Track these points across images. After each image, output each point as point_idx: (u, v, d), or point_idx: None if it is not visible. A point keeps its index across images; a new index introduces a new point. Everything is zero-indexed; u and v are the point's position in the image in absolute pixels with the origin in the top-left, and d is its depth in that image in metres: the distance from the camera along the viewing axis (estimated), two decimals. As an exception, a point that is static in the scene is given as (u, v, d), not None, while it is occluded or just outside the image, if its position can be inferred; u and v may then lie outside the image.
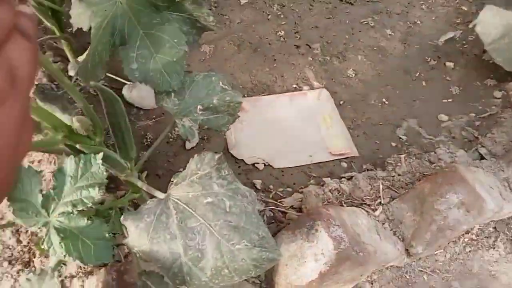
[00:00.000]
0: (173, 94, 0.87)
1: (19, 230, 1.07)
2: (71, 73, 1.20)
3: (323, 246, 0.94)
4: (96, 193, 0.62)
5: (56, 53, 1.37)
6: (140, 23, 0.84)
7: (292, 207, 1.18)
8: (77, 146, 0.65)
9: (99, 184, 0.63)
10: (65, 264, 0.99)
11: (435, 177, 1.14)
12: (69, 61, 1.35)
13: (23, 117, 0.25)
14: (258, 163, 1.37)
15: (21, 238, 1.06)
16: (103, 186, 0.74)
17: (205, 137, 1.40)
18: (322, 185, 1.25)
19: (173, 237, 0.66)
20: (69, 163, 0.63)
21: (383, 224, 1.14)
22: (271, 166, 1.37)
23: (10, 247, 1.06)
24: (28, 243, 1.06)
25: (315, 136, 1.47)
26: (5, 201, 1.14)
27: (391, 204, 1.17)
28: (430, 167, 1.28)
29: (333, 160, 1.41)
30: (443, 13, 1.95)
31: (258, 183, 1.30)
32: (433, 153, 1.37)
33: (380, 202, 1.18)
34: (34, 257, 1.05)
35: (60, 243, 0.62)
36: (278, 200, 1.20)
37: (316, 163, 1.40)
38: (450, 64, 1.74)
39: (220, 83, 0.83)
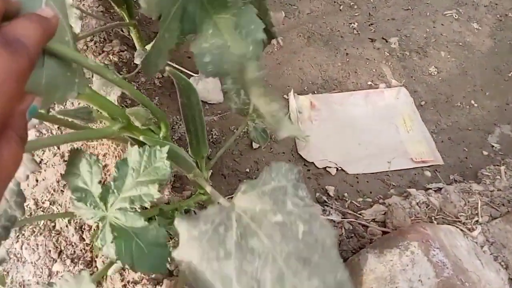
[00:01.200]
0: (242, 91, 0.76)
1: (83, 227, 1.02)
2: (137, 61, 1.13)
3: (421, 271, 0.81)
4: (155, 191, 0.53)
5: (122, 42, 1.31)
6: (213, 7, 0.73)
7: (374, 220, 1.04)
8: (141, 138, 0.56)
9: (160, 181, 0.53)
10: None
11: (552, 196, 0.96)
12: (135, 50, 1.29)
13: None
14: (330, 167, 1.24)
15: (84, 236, 1.01)
16: (164, 184, 0.65)
17: (273, 136, 1.29)
18: (407, 197, 1.10)
19: (228, 256, 0.53)
20: (133, 154, 0.54)
21: (482, 247, 0.98)
22: (344, 171, 1.24)
23: (73, 244, 1.02)
24: (91, 241, 1.01)
25: (393, 140, 1.32)
26: (69, 194, 1.10)
27: (491, 224, 1.00)
28: (536, 183, 1.10)
29: (414, 168, 1.26)
30: (540, 5, 1.72)
31: (330, 189, 1.18)
32: (535, 165, 1.18)
33: (477, 221, 1.02)
34: (97, 257, 1.00)
35: (112, 242, 0.54)
36: (358, 212, 1.07)
37: (395, 170, 1.25)
38: (550, 64, 1.52)
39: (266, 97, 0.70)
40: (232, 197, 1.13)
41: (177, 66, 1.31)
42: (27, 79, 0.25)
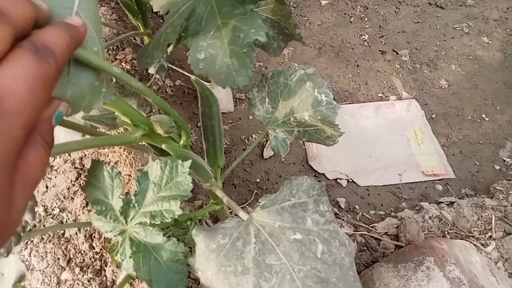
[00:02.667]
0: (267, 99, 0.75)
1: (93, 235, 1.01)
2: (151, 70, 1.13)
3: (437, 287, 0.80)
4: (177, 208, 0.52)
5: (135, 50, 1.31)
6: (221, 12, 0.73)
7: (386, 233, 1.03)
8: (163, 146, 0.55)
9: (182, 197, 0.53)
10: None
11: None
12: (147, 58, 1.29)
13: (4, 163, 0.22)
14: (341, 178, 1.24)
15: (94, 244, 1.00)
16: (185, 199, 0.64)
17: (284, 147, 1.28)
18: (419, 210, 1.09)
19: (245, 271, 0.52)
20: (155, 168, 0.54)
21: (496, 263, 0.97)
22: (355, 183, 1.23)
23: (82, 252, 1.01)
24: (101, 249, 1.00)
25: (404, 153, 1.31)
26: (79, 202, 1.09)
27: (505, 240, 0.99)
28: (550, 199, 1.09)
29: (425, 181, 1.25)
30: (549, 21, 1.72)
31: (342, 201, 1.17)
32: (548, 181, 1.17)
33: (491, 236, 1.01)
34: (106, 266, 0.99)
35: (130, 257, 0.53)
36: (370, 225, 1.06)
37: (406, 183, 1.24)
38: (560, 79, 1.52)
39: (316, 91, 0.67)
40: (243, 207, 1.12)
41: (187, 73, 1.31)
42: (54, 85, 0.26)
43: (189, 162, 0.52)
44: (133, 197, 0.54)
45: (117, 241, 0.56)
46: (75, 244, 1.02)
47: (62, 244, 1.03)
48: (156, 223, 0.48)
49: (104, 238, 1.01)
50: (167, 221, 0.48)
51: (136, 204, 0.54)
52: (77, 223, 0.98)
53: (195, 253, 0.55)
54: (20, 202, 0.24)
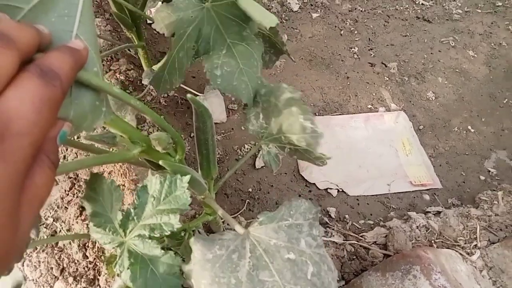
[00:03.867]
0: (261, 115, 0.77)
1: (86, 244, 1.02)
2: (145, 81, 1.15)
3: (423, 296, 0.82)
4: (176, 221, 0.54)
5: (129, 61, 1.33)
6: (228, 32, 0.77)
7: (375, 243, 1.06)
8: (160, 162, 0.57)
9: (181, 211, 0.55)
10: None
11: (549, 223, 0.99)
12: (141, 69, 1.32)
13: (11, 184, 0.23)
14: (331, 188, 1.26)
15: (87, 253, 1.01)
16: (184, 213, 0.65)
17: (276, 157, 1.31)
18: (407, 220, 1.12)
19: (238, 285, 0.54)
20: (154, 182, 0.56)
21: (481, 271, 1.00)
22: (345, 192, 1.26)
23: (76, 261, 1.01)
24: (94, 259, 1.00)
25: (393, 163, 1.35)
26: (72, 211, 1.10)
27: (490, 249, 1.02)
28: (533, 209, 1.12)
29: (413, 191, 1.28)
30: (532, 35, 1.78)
31: (332, 211, 1.19)
32: (531, 191, 1.21)
33: (476, 245, 1.04)
34: (99, 275, 0.99)
35: (128, 268, 0.54)
36: (359, 234, 1.09)
37: (395, 193, 1.27)
38: (543, 92, 1.57)
39: (301, 117, 0.67)
40: (235, 216, 1.13)
41: (183, 86, 1.33)
42: (59, 107, 0.27)
43: (188, 177, 0.54)
44: (132, 210, 0.56)
45: (115, 253, 0.57)
46: (68, 254, 1.03)
47: (56, 254, 1.04)
48: (155, 235, 0.50)
49: (98, 247, 1.01)
50: (166, 233, 0.50)
51: (135, 217, 0.55)
52: (72, 235, 0.99)
53: (190, 261, 0.57)
54: (26, 223, 0.25)
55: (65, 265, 1.02)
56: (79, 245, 1.02)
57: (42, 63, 0.26)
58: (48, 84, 0.25)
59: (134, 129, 0.53)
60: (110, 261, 0.54)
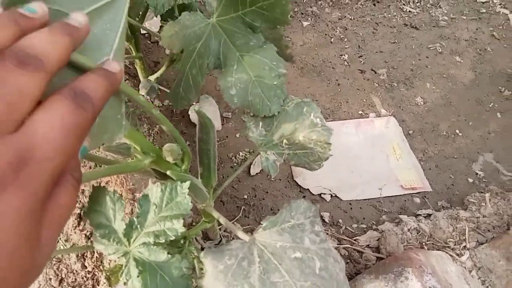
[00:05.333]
0: (261, 123, 0.81)
1: (85, 254, 1.03)
2: (142, 92, 1.17)
3: (415, 296, 0.85)
4: (180, 226, 0.57)
5: (124, 71, 1.35)
6: (236, 45, 0.79)
7: (368, 246, 1.09)
8: (168, 172, 0.60)
9: (183, 216, 0.57)
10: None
11: (534, 223, 1.02)
12: (136, 79, 1.34)
13: (31, 210, 0.22)
14: (324, 193, 1.29)
15: (86, 263, 1.02)
16: (186, 218, 0.68)
17: (270, 163, 1.34)
18: (398, 223, 1.16)
19: None
20: (155, 190, 0.58)
21: (470, 271, 1.03)
22: (338, 197, 1.29)
23: (74, 271, 1.03)
24: (93, 268, 1.02)
25: (384, 167, 1.38)
26: (71, 222, 1.11)
27: (478, 250, 1.06)
28: (519, 210, 1.16)
29: (404, 195, 1.31)
30: (515, 41, 1.84)
31: (326, 216, 1.22)
32: (517, 192, 1.25)
33: (465, 246, 1.07)
34: (98, 285, 1.01)
35: (138, 276, 0.56)
36: (353, 238, 1.12)
37: (386, 196, 1.31)
38: (527, 96, 1.62)
39: (312, 115, 0.74)
40: (232, 223, 1.16)
41: (177, 95, 1.35)
42: (88, 132, 0.26)
43: (188, 183, 0.57)
44: (135, 219, 0.58)
45: (120, 263, 0.59)
46: (67, 264, 1.04)
47: (54, 264, 1.05)
48: (161, 241, 0.52)
49: (96, 257, 1.03)
50: (170, 239, 0.52)
51: (138, 226, 0.57)
52: (72, 248, 1.00)
53: (203, 275, 0.60)
54: (49, 244, 0.24)
55: (63, 276, 1.03)
56: (77, 255, 1.03)
57: (76, 86, 0.25)
58: (79, 108, 0.24)
59: (146, 141, 0.55)
60: (114, 271, 0.56)
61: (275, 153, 0.80)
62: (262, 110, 0.75)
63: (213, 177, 0.83)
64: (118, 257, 0.56)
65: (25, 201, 0.21)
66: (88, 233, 1.06)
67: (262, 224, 0.65)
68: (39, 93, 0.23)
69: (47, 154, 0.22)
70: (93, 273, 1.02)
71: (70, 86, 0.25)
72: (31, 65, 0.22)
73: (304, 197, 1.29)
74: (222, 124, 1.41)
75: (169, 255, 0.53)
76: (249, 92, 0.74)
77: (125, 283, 0.52)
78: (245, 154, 1.35)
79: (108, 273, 0.63)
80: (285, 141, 0.79)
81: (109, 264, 1.01)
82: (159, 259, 0.54)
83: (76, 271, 1.03)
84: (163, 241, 0.52)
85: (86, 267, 1.03)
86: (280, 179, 1.31)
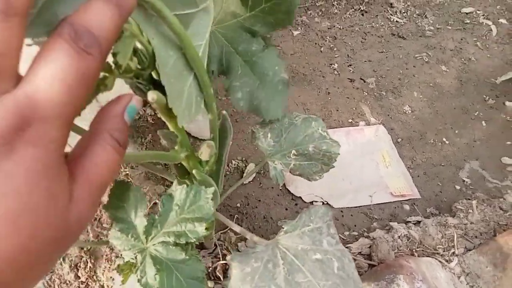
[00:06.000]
0: (270, 134, 0.84)
1: (78, 265, 1.02)
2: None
3: (407, 303, 0.87)
4: (201, 229, 0.58)
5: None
6: (238, 51, 0.80)
7: (360, 253, 1.11)
8: (194, 171, 0.61)
9: (205, 220, 0.59)
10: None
11: (519, 230, 1.06)
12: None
13: (47, 166, 0.20)
14: (316, 201, 1.31)
15: (79, 274, 1.02)
16: (208, 222, 0.69)
17: (262, 172, 1.35)
18: (389, 230, 1.18)
19: None
20: (179, 191, 0.59)
21: (459, 277, 1.06)
22: (330, 205, 1.31)
23: (67, 282, 1.02)
24: (87, 279, 1.01)
25: (374, 175, 1.41)
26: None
27: (466, 256, 1.09)
28: (505, 216, 1.20)
29: (394, 202, 1.34)
30: (498, 51, 1.90)
31: (318, 223, 1.24)
32: (502, 199, 1.29)
33: (454, 253, 1.10)
34: (92, 295, 1.00)
35: (155, 275, 0.57)
36: (345, 246, 1.13)
37: (377, 204, 1.33)
38: (510, 104, 1.67)
39: (320, 129, 0.79)
40: (225, 232, 1.17)
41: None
42: (98, 77, 0.22)
43: (212, 189, 0.58)
44: (156, 217, 0.59)
45: (132, 260, 0.59)
46: (59, 275, 1.03)
47: (46, 275, 1.04)
48: (181, 242, 0.53)
49: (90, 267, 1.02)
50: (191, 241, 0.53)
51: (158, 224, 0.59)
52: (86, 242, 1.00)
53: (230, 278, 0.63)
54: (84, 202, 0.22)
55: (56, 287, 1.02)
56: (70, 266, 1.03)
57: (77, 22, 0.20)
58: (82, 54, 0.20)
59: (185, 135, 0.56)
60: (124, 269, 0.57)
61: (282, 163, 0.84)
62: (268, 114, 0.76)
63: (220, 183, 0.85)
64: (134, 254, 0.57)
65: (38, 158, 0.19)
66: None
67: (283, 228, 0.70)
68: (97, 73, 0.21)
69: (51, 112, 0.20)
70: (87, 283, 1.02)
71: (70, 21, 0.20)
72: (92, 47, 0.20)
73: (296, 204, 1.30)
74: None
75: (187, 256, 0.54)
76: (254, 97, 0.76)
77: (139, 280, 0.53)
78: (238, 163, 1.36)
79: (118, 270, 0.64)
80: (293, 151, 0.83)
81: (102, 274, 1.00)
82: (177, 259, 0.55)
83: (69, 281, 1.02)
84: (184, 242, 0.53)
85: (79, 277, 1.02)
86: (272, 187, 1.32)
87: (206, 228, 0.93)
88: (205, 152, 0.57)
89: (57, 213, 0.21)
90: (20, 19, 0.19)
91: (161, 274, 0.56)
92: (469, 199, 1.29)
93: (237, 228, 0.73)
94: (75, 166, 0.23)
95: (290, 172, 0.80)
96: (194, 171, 0.58)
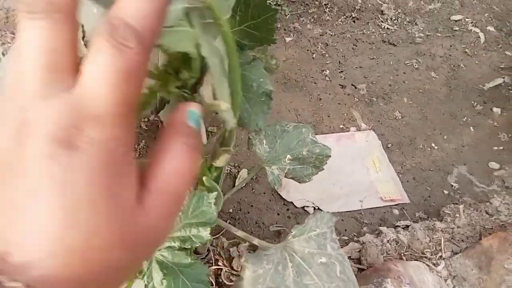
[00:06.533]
0: (265, 141, 0.88)
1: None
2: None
3: (394, 306, 0.90)
4: (206, 234, 0.60)
5: None
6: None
7: (350, 257, 1.13)
8: (203, 178, 0.63)
9: (209, 224, 0.61)
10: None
11: (504, 234, 1.09)
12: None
13: (108, 164, 0.19)
14: (308, 206, 1.33)
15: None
16: (211, 227, 0.72)
17: (254, 177, 1.37)
18: (378, 234, 1.21)
19: None
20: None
21: (446, 280, 1.09)
22: (321, 210, 1.33)
23: None
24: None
25: (364, 180, 1.44)
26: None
27: (453, 259, 1.12)
28: (490, 220, 1.23)
29: (384, 206, 1.37)
30: (486, 58, 1.94)
31: (309, 228, 1.26)
32: (489, 203, 1.32)
33: (441, 256, 1.13)
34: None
35: (162, 280, 0.59)
36: (335, 249, 1.16)
37: (367, 208, 1.36)
38: (497, 110, 1.71)
39: (310, 135, 0.84)
40: (217, 237, 1.19)
41: (163, 110, 1.38)
42: (145, 71, 0.21)
43: (214, 194, 0.60)
44: None
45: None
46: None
47: None
48: (186, 247, 0.55)
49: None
50: (196, 245, 0.55)
51: None
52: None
53: (243, 278, 0.66)
54: (157, 214, 0.21)
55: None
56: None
57: (114, 16, 0.19)
58: (120, 50, 0.19)
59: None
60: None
61: (278, 168, 0.88)
62: (250, 125, 0.78)
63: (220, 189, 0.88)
64: None
65: (97, 156, 0.19)
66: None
67: (292, 232, 0.74)
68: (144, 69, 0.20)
69: (101, 111, 0.19)
70: None
71: (109, 17, 0.19)
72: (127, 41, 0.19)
73: (287, 209, 1.33)
74: (207, 139, 1.43)
75: (192, 261, 0.56)
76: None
77: (146, 286, 0.55)
78: (230, 168, 1.38)
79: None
80: (288, 156, 0.88)
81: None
82: (182, 262, 0.57)
83: None
84: (189, 247, 0.55)
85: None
86: (264, 193, 1.35)
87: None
88: (223, 156, 0.57)
89: (120, 212, 0.20)
90: (65, 15, 0.19)
91: (168, 279, 0.58)
92: (456, 204, 1.32)
93: (240, 234, 0.77)
94: (148, 173, 0.22)
95: (285, 176, 0.83)
96: (204, 178, 0.59)
